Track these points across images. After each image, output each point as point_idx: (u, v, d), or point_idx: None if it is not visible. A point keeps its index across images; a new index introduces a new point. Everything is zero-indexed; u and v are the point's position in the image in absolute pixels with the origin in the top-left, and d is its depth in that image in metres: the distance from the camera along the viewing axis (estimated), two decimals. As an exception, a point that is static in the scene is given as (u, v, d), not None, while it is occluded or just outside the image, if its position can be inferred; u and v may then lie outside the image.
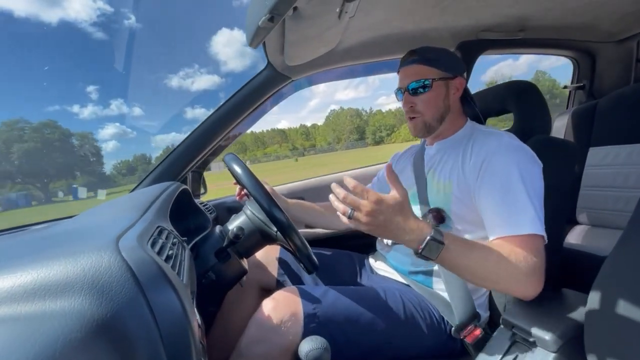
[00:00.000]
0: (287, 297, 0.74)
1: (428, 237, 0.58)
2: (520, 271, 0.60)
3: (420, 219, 0.61)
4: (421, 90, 0.83)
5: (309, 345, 0.56)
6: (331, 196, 0.61)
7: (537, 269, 0.62)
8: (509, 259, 0.61)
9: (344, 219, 0.60)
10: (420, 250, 0.58)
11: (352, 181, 0.59)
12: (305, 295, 0.75)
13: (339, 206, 0.59)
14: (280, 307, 0.72)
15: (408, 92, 0.85)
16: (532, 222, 0.64)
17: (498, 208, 0.69)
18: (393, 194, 0.58)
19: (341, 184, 0.62)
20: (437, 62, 0.83)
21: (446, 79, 0.84)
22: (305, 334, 0.69)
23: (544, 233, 0.65)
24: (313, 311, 0.72)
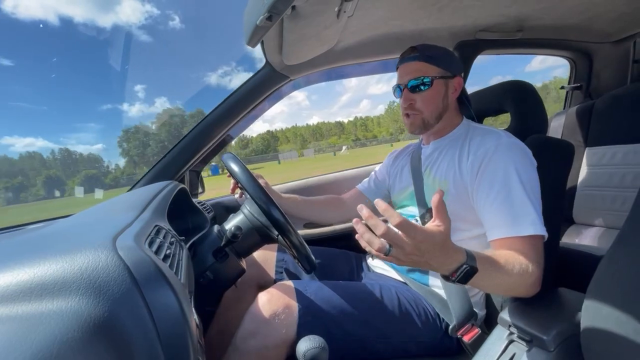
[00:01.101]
0: (282, 291, 0.75)
1: (464, 267, 0.53)
2: (525, 274, 0.61)
3: (456, 247, 0.55)
4: (421, 87, 0.83)
5: (307, 344, 0.57)
6: (359, 226, 0.51)
7: (538, 269, 0.63)
8: (521, 264, 0.61)
9: (374, 253, 0.51)
10: (454, 278, 0.54)
11: (396, 217, 0.48)
12: (300, 289, 0.75)
13: (374, 242, 0.50)
14: (275, 300, 0.72)
15: (407, 89, 0.85)
16: (533, 223, 0.65)
17: (498, 209, 0.69)
18: (439, 229, 0.51)
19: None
20: (438, 60, 0.83)
21: (446, 77, 0.84)
22: (300, 327, 0.70)
23: (544, 232, 0.65)
24: (308, 304, 0.72)
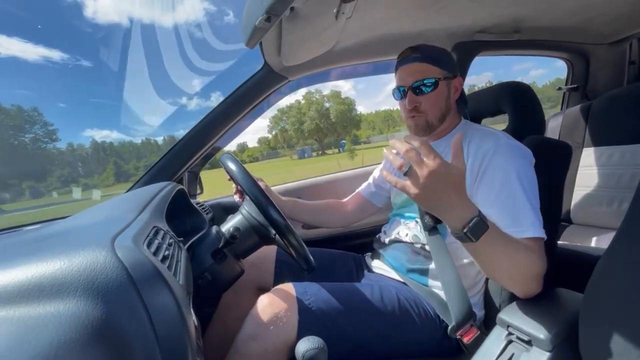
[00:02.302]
0: (282, 294, 0.74)
1: (476, 218, 0.54)
2: (530, 273, 0.61)
3: (470, 201, 0.56)
4: (426, 89, 0.82)
5: (306, 345, 0.56)
6: (385, 150, 0.56)
7: (541, 271, 0.63)
8: (522, 250, 0.61)
9: (392, 179, 0.55)
10: (465, 229, 0.54)
11: (419, 141, 0.52)
12: (300, 292, 0.75)
13: (396, 160, 0.53)
14: (275, 303, 0.72)
15: (412, 90, 0.83)
16: (533, 225, 0.65)
17: (498, 210, 0.69)
18: (457, 167, 0.53)
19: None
20: (439, 61, 0.83)
21: (448, 78, 0.84)
22: (300, 329, 0.69)
23: (543, 235, 0.65)
24: (308, 306, 0.72)
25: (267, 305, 0.72)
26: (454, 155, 0.54)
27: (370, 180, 1.14)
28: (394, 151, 0.55)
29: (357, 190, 1.17)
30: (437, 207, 0.55)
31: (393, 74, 0.93)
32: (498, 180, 0.70)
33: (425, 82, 0.81)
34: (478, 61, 1.37)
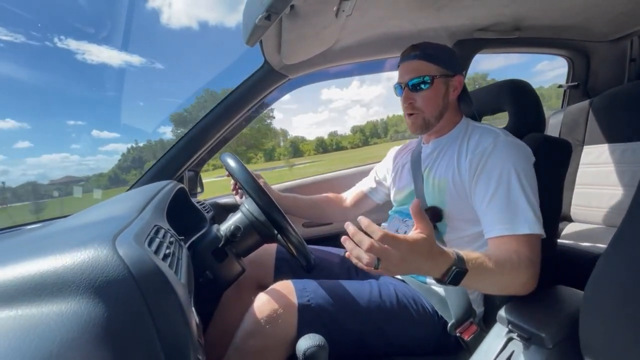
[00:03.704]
0: (281, 290, 0.75)
1: (454, 268, 0.54)
2: (518, 273, 0.62)
3: (443, 247, 0.56)
4: (421, 86, 0.82)
5: (306, 343, 0.57)
6: (347, 244, 0.52)
7: (535, 268, 0.63)
8: (512, 263, 0.61)
9: (365, 268, 0.52)
10: (446, 280, 0.55)
11: (377, 232, 0.49)
12: (299, 288, 0.75)
13: (363, 257, 0.50)
14: (275, 299, 0.72)
15: (408, 88, 0.84)
16: (531, 222, 0.65)
17: (495, 207, 0.69)
18: (422, 236, 0.52)
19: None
20: (438, 59, 0.83)
21: (446, 76, 0.84)
22: (300, 325, 0.70)
23: (541, 231, 0.66)
24: (307, 302, 0.72)
25: (266, 302, 0.72)
26: (417, 220, 0.53)
27: (371, 176, 1.15)
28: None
29: (356, 185, 1.18)
30: (417, 272, 0.55)
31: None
32: (495, 177, 0.71)
33: (420, 79, 0.82)
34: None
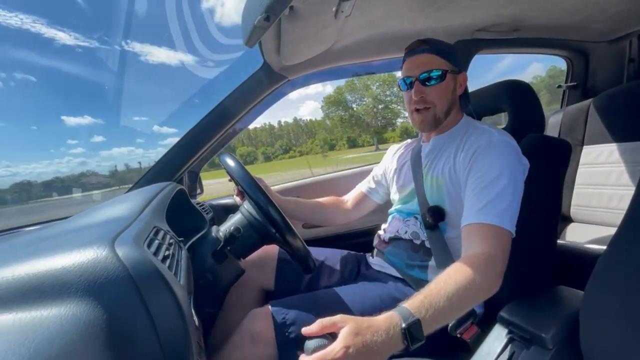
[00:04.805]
0: (260, 324, 0.74)
1: (403, 328, 0.51)
2: (485, 288, 0.60)
3: (380, 318, 0.53)
4: (434, 80, 0.81)
5: (315, 343, 0.56)
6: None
7: (496, 263, 0.61)
8: (472, 290, 0.58)
9: None
10: (412, 345, 0.51)
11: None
12: (279, 320, 0.74)
13: None
14: (254, 334, 0.73)
15: (419, 81, 0.82)
16: (501, 216, 0.65)
17: (474, 197, 0.70)
18: (341, 330, 0.50)
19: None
20: (448, 55, 0.83)
21: (455, 72, 0.84)
22: (279, 342, 0.71)
23: (511, 229, 0.65)
24: (286, 336, 0.72)
25: (246, 335, 0.73)
26: (321, 329, 0.51)
27: (371, 177, 1.15)
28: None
29: (357, 187, 1.18)
30: (378, 356, 0.51)
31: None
32: (482, 171, 0.71)
33: (433, 73, 0.81)
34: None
